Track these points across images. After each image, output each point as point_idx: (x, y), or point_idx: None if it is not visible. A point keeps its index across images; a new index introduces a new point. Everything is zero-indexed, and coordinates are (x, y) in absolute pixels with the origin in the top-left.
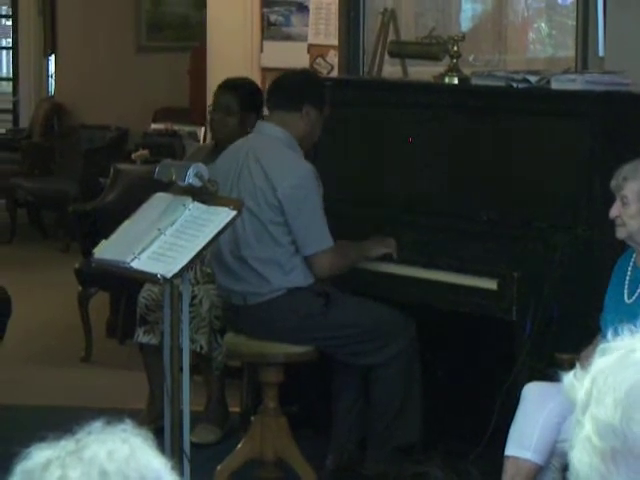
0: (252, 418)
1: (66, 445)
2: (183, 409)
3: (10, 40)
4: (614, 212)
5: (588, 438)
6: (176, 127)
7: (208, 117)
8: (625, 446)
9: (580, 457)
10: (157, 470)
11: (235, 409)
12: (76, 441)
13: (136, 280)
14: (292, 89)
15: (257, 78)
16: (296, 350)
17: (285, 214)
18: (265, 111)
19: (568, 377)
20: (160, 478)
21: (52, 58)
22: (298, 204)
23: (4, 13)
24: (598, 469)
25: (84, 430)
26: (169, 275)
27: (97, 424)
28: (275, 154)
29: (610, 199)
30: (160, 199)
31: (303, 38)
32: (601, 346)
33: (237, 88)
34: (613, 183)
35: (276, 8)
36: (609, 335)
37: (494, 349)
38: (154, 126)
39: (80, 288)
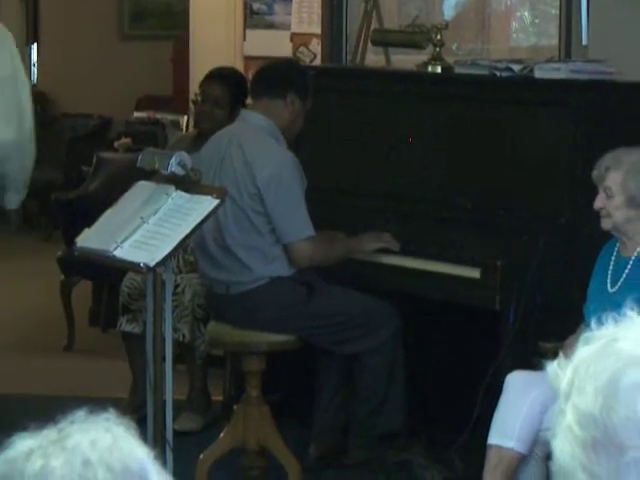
0: (235, 407)
1: (48, 434)
2: (166, 398)
3: None
4: (598, 204)
5: (569, 427)
6: (159, 115)
7: (192, 106)
8: (605, 436)
9: (562, 446)
10: (140, 459)
11: (218, 398)
12: (58, 430)
13: (119, 269)
14: (278, 77)
15: (240, 66)
16: (279, 339)
17: (264, 202)
18: (249, 100)
19: (552, 366)
20: (143, 467)
21: (34, 46)
22: (277, 192)
23: None
24: (579, 459)
25: (67, 419)
26: (152, 264)
27: (80, 413)
28: (257, 142)
29: (594, 188)
30: (143, 188)
31: (286, 26)
32: (584, 335)
33: (226, 79)
34: (595, 173)
35: None
36: (592, 324)
37: (477, 338)
38: (137, 114)
39: (63, 277)
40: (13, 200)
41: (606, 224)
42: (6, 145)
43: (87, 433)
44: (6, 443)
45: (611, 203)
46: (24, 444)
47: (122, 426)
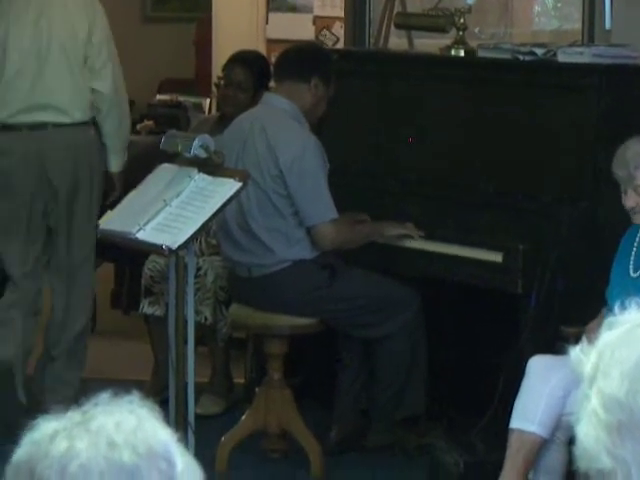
0: (256, 390)
1: (73, 417)
2: (188, 380)
3: None
4: (630, 203)
5: (594, 411)
6: (181, 98)
7: (214, 90)
8: (631, 420)
9: (586, 431)
10: (164, 441)
11: (240, 380)
12: (83, 413)
13: (141, 251)
14: (302, 61)
15: (262, 49)
16: (301, 322)
17: (287, 184)
18: (271, 83)
19: (575, 351)
20: (167, 449)
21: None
22: (300, 175)
23: None
24: (604, 442)
25: (91, 402)
26: (174, 246)
27: (104, 396)
28: (280, 125)
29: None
30: (166, 170)
31: (309, 10)
32: (608, 320)
33: (249, 64)
34: (622, 173)
35: None
36: (616, 309)
37: (499, 322)
38: (159, 97)
39: None
40: (115, 163)
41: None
42: (104, 98)
43: (111, 415)
44: (31, 425)
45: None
46: (48, 426)
47: (146, 408)
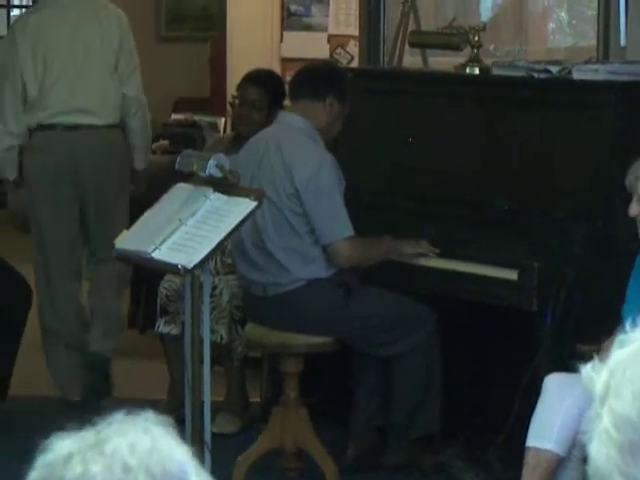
0: (272, 409)
1: (86, 437)
2: (204, 399)
3: None
4: (633, 211)
5: (606, 431)
6: (196, 117)
7: (229, 109)
8: None
9: (598, 450)
10: (179, 462)
11: (255, 399)
12: (96, 433)
13: (157, 271)
14: (317, 79)
15: (277, 68)
16: (316, 341)
17: (303, 203)
18: (286, 102)
19: (586, 369)
20: (183, 469)
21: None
22: (316, 193)
23: (25, 3)
24: (616, 462)
25: (104, 421)
26: (190, 266)
27: (118, 415)
28: (295, 143)
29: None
30: (181, 190)
31: (323, 28)
32: (619, 337)
33: (264, 82)
34: (629, 180)
35: None
36: (627, 326)
37: (515, 340)
38: (174, 116)
39: None
40: (140, 160)
41: None
42: (132, 101)
43: (125, 436)
44: (44, 445)
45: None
46: (62, 447)
47: (160, 426)
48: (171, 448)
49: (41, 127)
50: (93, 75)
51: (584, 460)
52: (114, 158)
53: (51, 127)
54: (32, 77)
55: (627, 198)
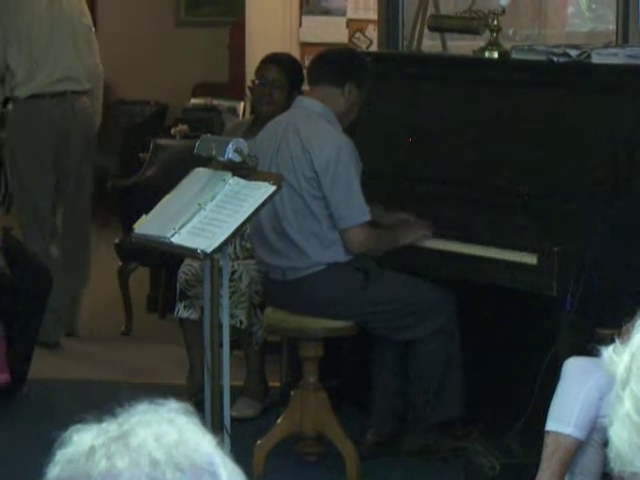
0: (292, 393)
1: (108, 428)
2: (223, 384)
3: None
4: None
5: (628, 415)
6: (215, 102)
7: (248, 93)
8: None
9: (620, 434)
10: (207, 453)
11: (275, 384)
12: (119, 424)
13: (176, 255)
14: (337, 65)
15: (296, 53)
16: (336, 325)
17: (321, 186)
18: (304, 86)
19: (607, 352)
20: (211, 461)
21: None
22: (334, 177)
23: None
24: (638, 446)
25: (126, 410)
26: (209, 250)
27: (140, 405)
28: (314, 127)
29: None
30: (200, 174)
31: (342, 12)
32: None
33: (283, 63)
34: None
35: None
36: None
37: (535, 324)
38: (193, 101)
39: (120, 263)
40: (97, 120)
41: None
42: (99, 67)
43: (150, 427)
44: (63, 437)
45: None
46: (83, 440)
47: (185, 416)
48: (198, 439)
49: (32, 97)
50: (71, 47)
51: (604, 444)
52: (90, 119)
53: (40, 96)
54: (15, 50)
55: None
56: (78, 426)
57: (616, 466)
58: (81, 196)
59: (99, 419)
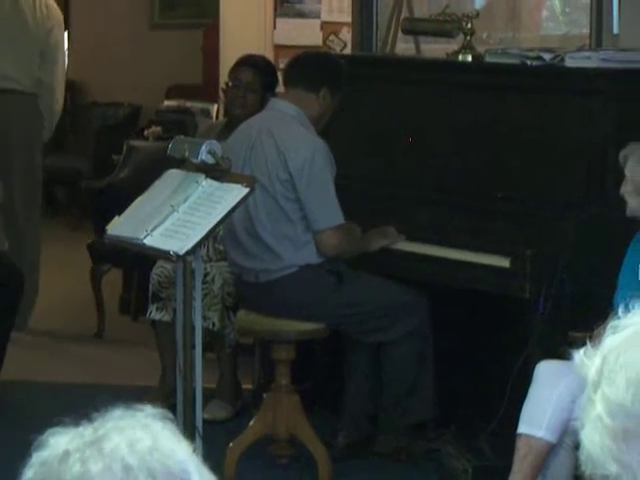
0: (264, 395)
1: (84, 433)
2: (195, 386)
3: None
4: (620, 190)
5: (599, 418)
6: (189, 104)
7: (222, 95)
8: (637, 426)
9: (591, 437)
10: (180, 460)
11: (247, 386)
12: (94, 429)
13: (149, 257)
14: (313, 70)
15: (270, 55)
16: (308, 327)
17: (296, 189)
18: (278, 89)
19: (579, 354)
20: (184, 468)
21: (65, 35)
22: (309, 178)
23: None
24: (609, 449)
25: (101, 415)
26: (182, 252)
27: (115, 410)
28: (288, 129)
29: (624, 177)
30: (173, 176)
31: (316, 15)
32: (612, 323)
33: (257, 66)
34: (620, 162)
35: None
36: (620, 311)
37: (507, 327)
38: (167, 103)
39: (92, 265)
40: (47, 131)
41: (627, 211)
42: (47, 84)
43: (124, 433)
44: (39, 441)
45: (625, 189)
46: (58, 444)
47: (160, 421)
48: (172, 446)
49: None
50: (21, 47)
51: (576, 447)
52: (33, 124)
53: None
54: None
55: (620, 185)
56: (55, 429)
57: (587, 469)
58: (28, 204)
59: (77, 423)
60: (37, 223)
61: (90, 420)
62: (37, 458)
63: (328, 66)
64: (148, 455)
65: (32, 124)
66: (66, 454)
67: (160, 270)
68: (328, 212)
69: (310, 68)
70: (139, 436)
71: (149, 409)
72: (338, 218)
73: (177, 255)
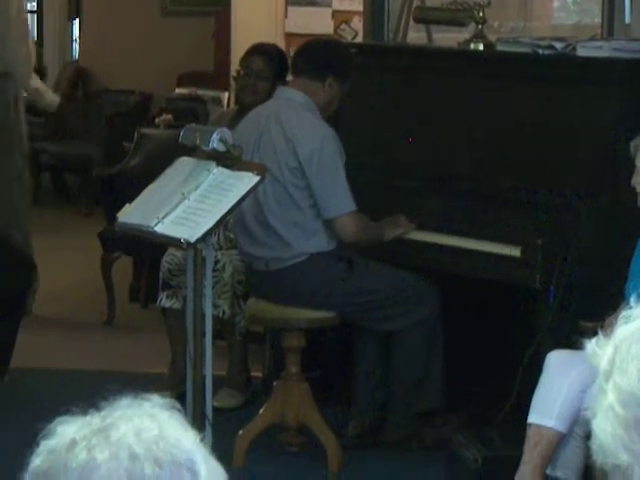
0: (274, 383)
1: (91, 422)
2: (205, 374)
3: (35, 4)
4: (632, 181)
5: (611, 407)
6: (200, 92)
7: (233, 83)
8: None
9: (603, 426)
10: (187, 450)
11: (257, 374)
12: (102, 418)
13: (159, 244)
14: (319, 59)
15: (281, 43)
16: (318, 315)
17: (306, 176)
18: (288, 77)
19: (590, 344)
20: (191, 458)
21: (76, 22)
22: (319, 166)
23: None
24: (621, 438)
25: (109, 403)
26: (192, 240)
27: (123, 399)
28: (296, 117)
29: (636, 166)
30: (184, 163)
31: (327, 4)
32: (624, 313)
33: (268, 54)
34: (632, 152)
35: None
36: (632, 301)
37: (518, 316)
38: (178, 91)
39: (103, 252)
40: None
41: (638, 202)
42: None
43: (131, 422)
44: (47, 430)
45: (636, 180)
46: (66, 433)
47: (167, 411)
48: (179, 435)
49: None
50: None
51: (586, 437)
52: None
53: None
54: None
55: (632, 175)
56: (63, 418)
57: (598, 458)
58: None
59: (85, 411)
60: (26, 199)
61: (98, 409)
62: (45, 446)
63: (335, 54)
64: (154, 444)
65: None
66: (73, 442)
67: (170, 258)
68: (340, 199)
69: (316, 57)
70: (146, 425)
71: (156, 399)
72: (350, 205)
73: (188, 243)
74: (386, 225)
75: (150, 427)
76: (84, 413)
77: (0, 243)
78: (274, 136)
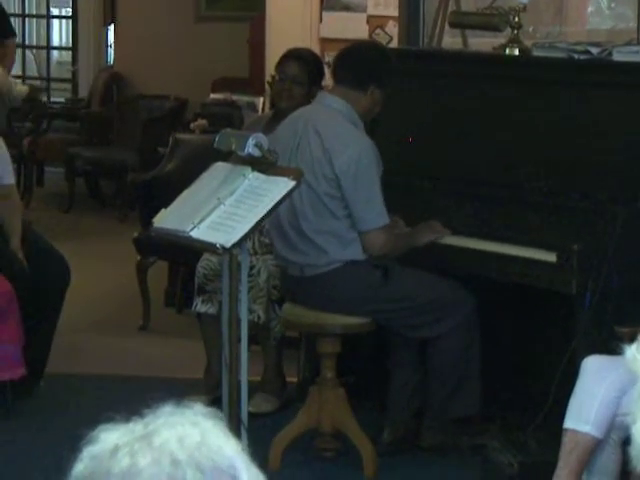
0: (309, 388)
1: (134, 429)
2: (241, 379)
3: (70, 9)
4: None
5: None
6: (235, 97)
7: (268, 88)
8: None
9: None
10: (229, 457)
11: (292, 379)
12: (144, 425)
13: (195, 250)
14: (362, 67)
15: (316, 48)
16: (353, 321)
17: (342, 188)
18: (324, 82)
19: (630, 350)
20: (233, 465)
21: (111, 27)
22: (355, 179)
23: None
24: None
25: (152, 411)
26: (228, 245)
27: (166, 407)
28: (335, 127)
29: None
30: (219, 169)
31: (362, 9)
32: None
33: (303, 59)
34: None
35: None
36: None
37: (554, 322)
38: (213, 96)
39: (139, 257)
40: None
41: None
42: None
43: (174, 428)
44: (90, 436)
45: None
46: (109, 439)
47: (210, 419)
48: (220, 442)
49: None
50: None
51: (622, 443)
52: None
53: None
54: None
55: None
56: (106, 425)
57: (638, 465)
58: None
59: (127, 418)
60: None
61: (141, 416)
62: (87, 452)
63: (376, 62)
64: (197, 451)
65: None
66: (116, 448)
67: (206, 263)
68: (374, 213)
69: (357, 65)
70: (188, 432)
71: (199, 407)
72: (383, 219)
73: (223, 248)
74: (420, 230)
75: (193, 434)
76: (126, 420)
77: (36, 245)
78: (312, 145)
